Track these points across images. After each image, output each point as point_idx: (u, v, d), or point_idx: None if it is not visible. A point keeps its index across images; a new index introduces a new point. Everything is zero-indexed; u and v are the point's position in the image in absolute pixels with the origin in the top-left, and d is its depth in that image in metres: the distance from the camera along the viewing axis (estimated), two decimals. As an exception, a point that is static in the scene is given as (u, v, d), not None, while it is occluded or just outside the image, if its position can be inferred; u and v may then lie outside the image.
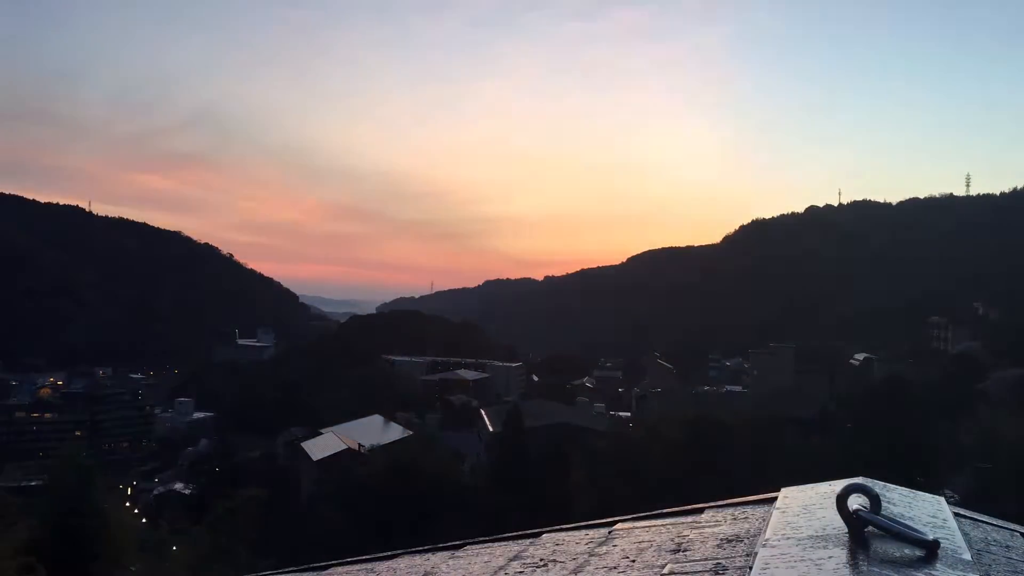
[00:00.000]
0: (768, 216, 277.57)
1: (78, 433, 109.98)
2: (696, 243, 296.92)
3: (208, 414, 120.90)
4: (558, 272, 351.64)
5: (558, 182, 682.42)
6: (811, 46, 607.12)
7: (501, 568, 2.45)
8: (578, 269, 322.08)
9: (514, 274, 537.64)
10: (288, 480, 58.36)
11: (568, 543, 2.51)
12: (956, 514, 2.03)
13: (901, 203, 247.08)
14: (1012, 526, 2.19)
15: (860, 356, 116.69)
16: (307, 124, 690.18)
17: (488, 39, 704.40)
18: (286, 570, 3.88)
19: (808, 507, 2.03)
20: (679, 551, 2.06)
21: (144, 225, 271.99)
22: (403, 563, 3.06)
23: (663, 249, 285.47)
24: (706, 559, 1.92)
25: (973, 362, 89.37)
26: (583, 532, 2.59)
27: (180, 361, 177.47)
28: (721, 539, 2.05)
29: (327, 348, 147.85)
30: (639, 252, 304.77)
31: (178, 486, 73.82)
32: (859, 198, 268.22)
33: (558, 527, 2.73)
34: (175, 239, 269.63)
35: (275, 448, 76.97)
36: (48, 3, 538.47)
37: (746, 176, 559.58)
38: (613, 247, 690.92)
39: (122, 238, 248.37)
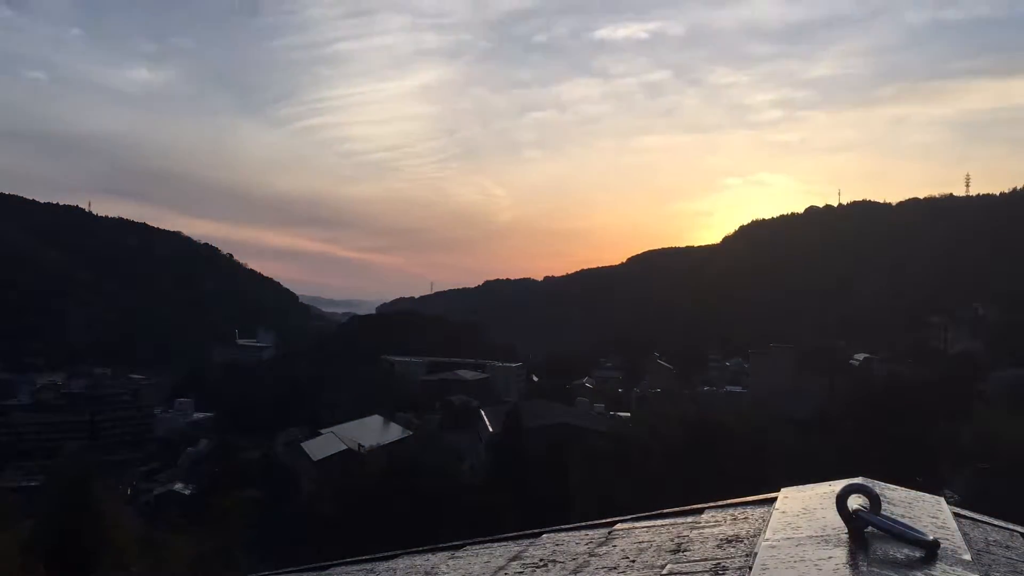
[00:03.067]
0: (768, 216, 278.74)
1: (78, 433, 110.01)
2: (696, 243, 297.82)
3: (208, 414, 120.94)
4: (558, 272, 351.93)
5: (558, 181, 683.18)
6: (810, 45, 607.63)
7: (501, 568, 2.45)
8: (578, 269, 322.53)
9: (514, 274, 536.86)
10: (288, 480, 58.34)
11: (568, 543, 2.51)
12: (956, 514, 2.03)
13: (901, 203, 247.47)
14: (1012, 526, 2.19)
15: (860, 356, 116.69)
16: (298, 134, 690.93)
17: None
18: (286, 570, 3.88)
19: (808, 507, 2.03)
20: (679, 551, 2.06)
21: (144, 225, 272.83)
22: (403, 563, 3.06)
23: (663, 249, 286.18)
24: (706, 559, 1.92)
25: (973, 362, 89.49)
26: (583, 532, 2.59)
27: (180, 361, 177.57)
28: (721, 539, 2.06)
29: (327, 348, 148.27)
30: (639, 252, 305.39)
31: (178, 486, 73.78)
32: (859, 198, 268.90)
33: (558, 527, 2.74)
34: (175, 239, 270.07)
35: (275, 448, 76.97)
36: None
37: (746, 176, 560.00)
38: (613, 247, 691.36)
39: (122, 238, 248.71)
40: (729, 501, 2.41)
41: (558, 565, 2.29)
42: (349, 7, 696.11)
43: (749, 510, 2.27)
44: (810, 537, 1.79)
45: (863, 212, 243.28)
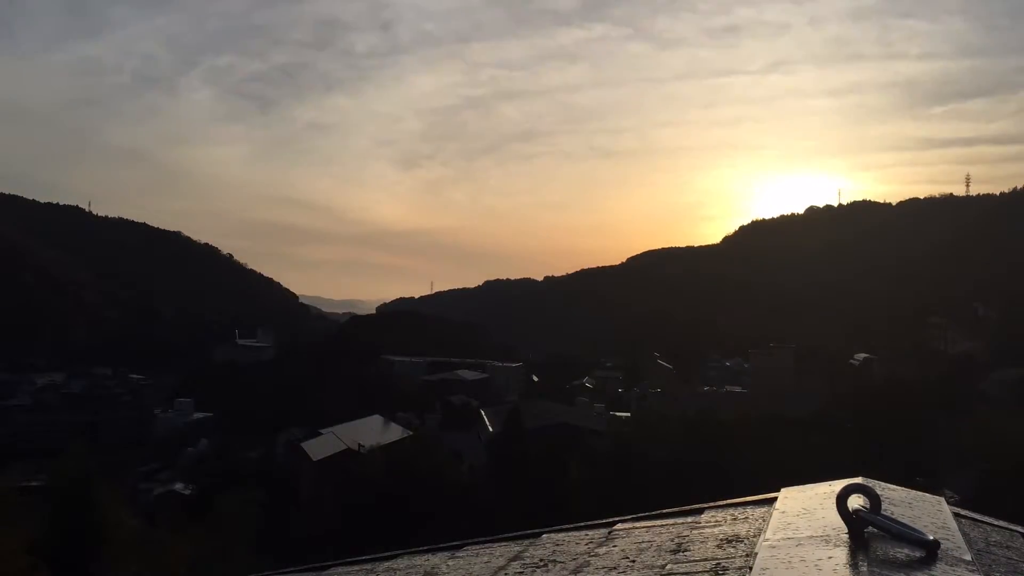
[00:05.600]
0: (768, 217, 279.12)
1: (78, 433, 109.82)
2: (696, 243, 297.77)
3: (208, 414, 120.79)
4: (558, 272, 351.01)
5: (558, 180, 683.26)
6: (811, 43, 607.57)
7: (501, 568, 2.45)
8: (578, 269, 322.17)
9: (514, 274, 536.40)
10: (288, 480, 58.33)
11: (568, 543, 2.51)
12: (956, 514, 2.03)
13: (901, 203, 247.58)
14: (1012, 526, 2.19)
15: (860, 356, 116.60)
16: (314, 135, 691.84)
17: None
18: (286, 570, 3.89)
19: (808, 507, 2.03)
20: (679, 551, 2.06)
21: (144, 225, 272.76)
22: (403, 563, 3.06)
23: (663, 249, 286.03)
24: (706, 559, 1.92)
25: (973, 362, 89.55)
26: (583, 532, 2.59)
27: (180, 361, 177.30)
28: (721, 539, 2.06)
29: (327, 348, 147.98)
30: (639, 252, 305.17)
31: (178, 486, 73.69)
32: (859, 198, 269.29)
33: (558, 527, 2.74)
34: (175, 239, 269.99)
35: (275, 448, 76.94)
36: None
37: (746, 176, 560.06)
38: (613, 247, 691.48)
39: (122, 238, 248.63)
40: (729, 501, 2.41)
41: (558, 565, 2.29)
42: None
43: (749, 510, 2.27)
44: (810, 537, 1.79)
45: (863, 212, 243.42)
